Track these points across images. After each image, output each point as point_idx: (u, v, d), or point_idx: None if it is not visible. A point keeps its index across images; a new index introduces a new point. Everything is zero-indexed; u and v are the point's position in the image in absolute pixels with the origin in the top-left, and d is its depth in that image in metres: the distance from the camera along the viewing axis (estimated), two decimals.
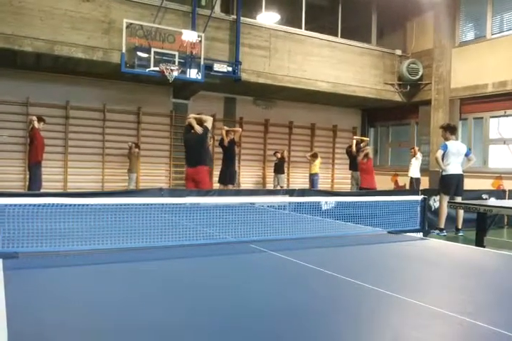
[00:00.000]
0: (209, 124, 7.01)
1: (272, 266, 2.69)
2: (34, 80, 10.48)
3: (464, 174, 7.78)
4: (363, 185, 10.21)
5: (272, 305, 1.91)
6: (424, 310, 1.86)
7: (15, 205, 2.71)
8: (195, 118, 7.07)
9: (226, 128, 9.96)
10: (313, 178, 12.88)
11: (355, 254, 3.13)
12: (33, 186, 8.40)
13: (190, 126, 6.99)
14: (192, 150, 7.01)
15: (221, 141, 9.89)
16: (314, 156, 12.94)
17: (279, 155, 12.78)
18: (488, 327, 1.65)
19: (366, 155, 10.11)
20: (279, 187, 12.15)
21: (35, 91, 10.50)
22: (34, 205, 2.75)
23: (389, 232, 3.82)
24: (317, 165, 12.84)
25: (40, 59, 9.41)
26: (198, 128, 6.92)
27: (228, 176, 9.87)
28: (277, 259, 2.82)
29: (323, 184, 14.23)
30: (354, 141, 11.06)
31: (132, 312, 1.78)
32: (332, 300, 2.03)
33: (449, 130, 7.76)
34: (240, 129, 10.52)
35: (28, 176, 9.09)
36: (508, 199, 8.60)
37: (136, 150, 11.11)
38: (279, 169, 12.82)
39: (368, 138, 12.09)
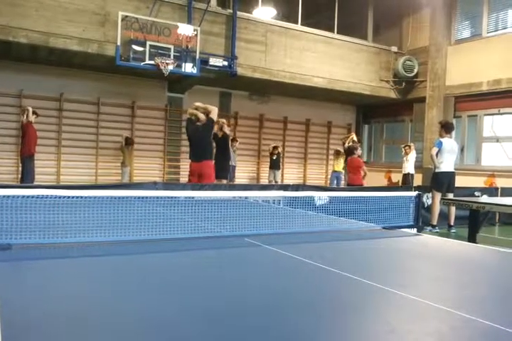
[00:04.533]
0: (214, 116, 6.73)
1: (267, 259, 2.69)
2: (28, 72, 10.38)
3: (457, 171, 7.82)
4: (349, 181, 10.25)
5: (266, 299, 1.91)
6: (418, 305, 1.86)
7: (8, 196, 2.69)
8: (200, 108, 6.72)
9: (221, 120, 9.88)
10: (337, 176, 12.45)
11: (350, 249, 3.13)
12: (26, 179, 8.36)
13: (195, 117, 6.69)
14: (197, 143, 6.77)
15: (215, 134, 9.83)
16: (338, 154, 12.57)
17: (276, 151, 12.76)
18: (482, 322, 1.66)
19: (352, 151, 10.07)
20: (274, 183, 12.16)
21: (29, 83, 10.40)
22: (27, 197, 2.73)
23: (383, 228, 3.84)
24: (341, 163, 12.63)
25: (34, 51, 9.32)
26: (202, 117, 6.64)
27: (221, 171, 9.84)
28: (272, 253, 2.82)
29: (316, 180, 14.27)
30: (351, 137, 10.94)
31: (125, 305, 1.78)
32: (326, 295, 2.04)
33: (444, 128, 7.82)
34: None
35: (20, 169, 9.03)
36: (501, 196, 8.66)
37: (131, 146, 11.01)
38: (276, 164, 12.80)
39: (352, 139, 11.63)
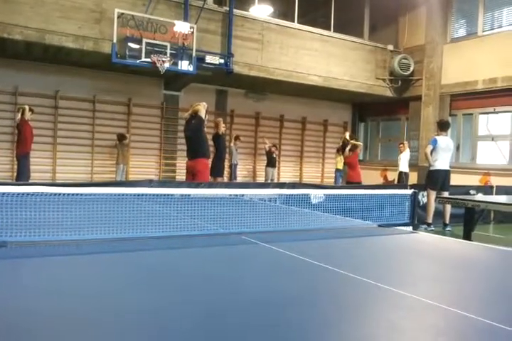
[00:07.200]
0: (202, 113, 6.84)
1: (264, 257, 2.69)
2: (23, 69, 10.33)
3: (452, 170, 7.84)
4: (348, 179, 10.30)
5: (263, 296, 1.91)
6: (415, 302, 1.87)
7: (3, 194, 2.67)
8: (189, 113, 7.04)
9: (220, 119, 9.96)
10: (337, 174, 12.90)
11: (346, 247, 3.14)
12: (21, 177, 8.30)
13: (191, 116, 6.91)
14: (189, 142, 6.93)
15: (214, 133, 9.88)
16: (337, 152, 12.94)
17: (274, 149, 12.79)
18: (478, 319, 1.67)
19: (352, 148, 10.12)
20: (270, 181, 12.18)
21: (24, 80, 10.35)
22: (22, 194, 2.72)
23: (379, 225, 3.84)
24: (340, 161, 12.81)
25: (30, 48, 9.26)
26: (186, 115, 6.93)
27: (214, 169, 9.87)
28: (269, 251, 2.82)
29: (312, 178, 14.27)
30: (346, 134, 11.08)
31: (120, 302, 1.77)
32: (323, 292, 2.04)
33: (439, 126, 7.86)
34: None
35: (16, 167, 8.98)
36: (495, 195, 8.69)
37: (125, 141, 10.93)
38: (273, 163, 12.82)
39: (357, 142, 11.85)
